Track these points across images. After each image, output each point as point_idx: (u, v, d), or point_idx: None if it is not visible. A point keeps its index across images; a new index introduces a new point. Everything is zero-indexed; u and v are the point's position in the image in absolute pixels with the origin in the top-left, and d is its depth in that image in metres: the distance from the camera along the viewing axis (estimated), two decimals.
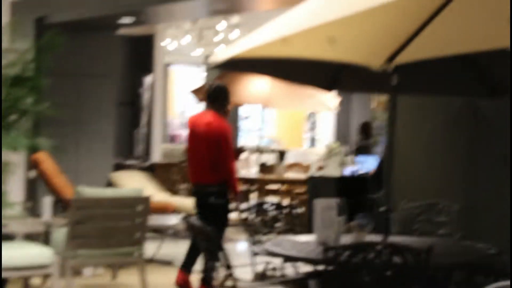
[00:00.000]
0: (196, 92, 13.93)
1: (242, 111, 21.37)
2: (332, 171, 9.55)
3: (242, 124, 21.46)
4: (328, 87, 6.31)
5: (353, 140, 17.21)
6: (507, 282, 3.28)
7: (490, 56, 5.41)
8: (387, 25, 4.47)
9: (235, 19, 16.19)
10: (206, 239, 5.27)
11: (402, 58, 4.49)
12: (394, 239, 5.57)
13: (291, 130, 21.99)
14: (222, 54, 4.75)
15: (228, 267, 5.21)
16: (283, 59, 5.43)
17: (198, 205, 7.87)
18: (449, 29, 4.35)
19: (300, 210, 6.68)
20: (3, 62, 7.75)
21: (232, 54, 4.56)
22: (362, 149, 13.49)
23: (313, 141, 21.46)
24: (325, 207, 5.43)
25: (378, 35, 4.53)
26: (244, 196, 12.19)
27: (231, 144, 7.65)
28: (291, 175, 13.13)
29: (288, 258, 5.28)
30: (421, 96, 6.77)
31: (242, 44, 4.69)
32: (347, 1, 3.75)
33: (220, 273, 5.44)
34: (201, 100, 13.98)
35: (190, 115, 8.22)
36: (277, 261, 5.89)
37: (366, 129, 14.58)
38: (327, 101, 12.86)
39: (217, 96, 7.74)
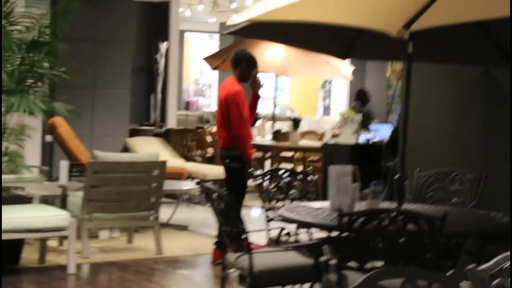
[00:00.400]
0: (209, 59, 13.93)
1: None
2: (347, 138, 9.57)
3: None
4: (342, 55, 6.32)
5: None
6: None
7: (505, 25, 5.41)
8: None
9: None
10: (221, 203, 5.32)
11: (419, 25, 4.48)
12: (408, 206, 5.60)
13: (305, 98, 21.98)
14: (238, 17, 4.76)
15: (243, 232, 5.26)
16: (297, 27, 5.44)
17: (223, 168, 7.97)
18: None
19: (314, 177, 6.70)
20: (19, 27, 7.80)
21: (248, 17, 4.57)
22: (363, 116, 13.27)
23: (327, 109, 21.44)
24: (340, 174, 5.45)
25: (396, 1, 4.54)
26: (259, 163, 12.24)
27: (242, 109, 7.68)
28: (305, 142, 13.17)
29: (302, 224, 5.32)
30: (436, 64, 6.77)
31: (258, 8, 4.69)
32: None
33: (234, 238, 5.49)
34: (214, 67, 13.99)
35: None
36: (291, 227, 5.93)
37: (362, 96, 14.49)
38: (342, 69, 12.85)
39: (238, 62, 7.84)
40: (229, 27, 5.96)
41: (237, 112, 7.64)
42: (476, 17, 4.60)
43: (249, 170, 7.60)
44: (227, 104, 7.69)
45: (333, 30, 5.62)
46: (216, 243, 7.68)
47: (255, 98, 7.92)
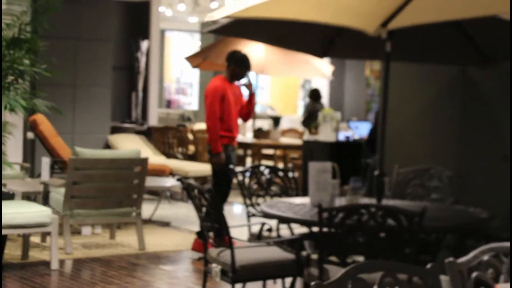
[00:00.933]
0: (190, 58, 13.98)
1: None
2: (326, 136, 9.66)
3: None
4: (321, 54, 6.40)
5: (347, 106, 17.32)
6: (498, 244, 3.39)
7: (481, 25, 5.51)
8: None
9: None
10: (202, 198, 5.38)
11: (396, 23, 4.56)
12: (387, 202, 5.68)
13: (285, 96, 22.06)
14: (217, 13, 4.82)
15: (224, 227, 5.33)
16: (277, 25, 5.51)
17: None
18: None
19: (294, 173, 6.78)
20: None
21: (226, 13, 4.63)
22: (313, 114, 13.70)
23: None
24: (320, 170, 5.52)
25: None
26: (240, 161, 12.32)
27: (213, 104, 7.87)
28: (286, 140, 13.25)
29: (283, 220, 5.38)
30: (414, 63, 6.86)
31: (237, 5, 4.75)
32: None
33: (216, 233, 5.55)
34: (195, 66, 14.04)
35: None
36: (272, 223, 6.00)
37: (315, 94, 14.94)
38: (321, 69, 12.94)
39: (229, 61, 8.06)
40: (209, 24, 6.02)
41: (208, 105, 7.89)
42: (453, 16, 4.68)
43: (229, 166, 7.73)
44: (204, 98, 7.98)
45: (312, 29, 5.70)
46: (198, 233, 7.77)
47: (249, 95, 8.13)
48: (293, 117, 19.87)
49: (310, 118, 13.57)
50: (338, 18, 4.53)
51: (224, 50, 12.78)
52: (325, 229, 4.73)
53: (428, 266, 3.10)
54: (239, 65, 8.01)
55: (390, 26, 4.59)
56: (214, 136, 7.85)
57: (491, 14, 4.15)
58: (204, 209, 5.46)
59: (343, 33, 5.91)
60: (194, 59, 13.77)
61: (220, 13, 4.73)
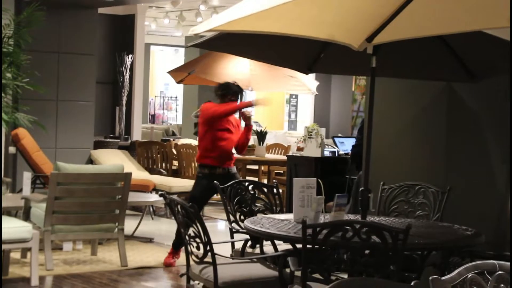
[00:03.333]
0: (174, 73, 13.92)
1: None
2: (312, 152, 9.60)
3: None
4: (306, 69, 6.36)
5: (333, 122, 17.34)
6: (483, 262, 3.33)
7: (466, 41, 5.48)
8: (367, 4, 4.51)
9: (215, 1, 16.21)
10: (185, 213, 5.31)
11: (381, 38, 4.53)
12: (372, 219, 5.63)
13: (271, 112, 22.05)
14: (200, 27, 4.76)
15: (208, 243, 5.25)
16: (261, 40, 5.46)
17: None
18: (428, 10, 4.39)
19: (279, 189, 6.73)
20: None
21: (210, 27, 4.56)
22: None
23: (293, 123, 21.52)
24: (304, 186, 5.47)
25: (358, 14, 4.56)
26: None
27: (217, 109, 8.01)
28: (271, 156, 13.19)
29: (266, 236, 5.32)
30: (399, 79, 6.83)
31: (220, 18, 4.70)
32: None
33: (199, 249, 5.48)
34: (179, 81, 13.98)
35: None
36: (256, 239, 5.93)
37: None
38: (307, 84, 12.90)
39: (223, 91, 8.09)
40: (192, 38, 5.97)
41: (212, 112, 8.01)
42: (438, 32, 4.65)
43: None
44: (205, 116, 8.12)
45: (297, 45, 5.65)
46: (173, 244, 7.86)
47: (247, 128, 8.13)
48: (278, 132, 19.83)
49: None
50: (322, 32, 4.48)
51: (208, 64, 12.76)
52: (309, 246, 4.67)
53: (412, 283, 3.05)
54: (236, 96, 8.10)
55: (375, 41, 4.55)
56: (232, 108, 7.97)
57: (476, 29, 4.11)
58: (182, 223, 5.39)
59: (328, 49, 5.87)
60: (178, 74, 13.71)
61: (203, 27, 4.67)
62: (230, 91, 8.06)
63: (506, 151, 6.14)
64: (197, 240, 5.33)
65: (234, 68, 12.42)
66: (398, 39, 4.47)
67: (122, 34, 15.59)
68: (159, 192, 10.06)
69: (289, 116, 21.92)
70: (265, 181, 12.52)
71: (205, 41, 6.03)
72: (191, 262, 5.50)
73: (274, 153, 13.95)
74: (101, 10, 13.44)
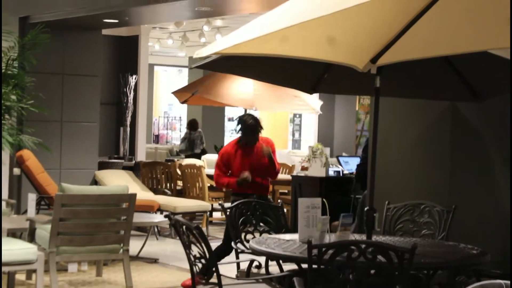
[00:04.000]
0: (178, 93, 13.94)
1: (227, 112, 21.42)
2: (316, 171, 9.61)
3: (228, 125, 21.51)
4: (309, 89, 6.36)
5: (337, 141, 17.43)
6: (489, 281, 3.33)
7: (471, 61, 5.49)
8: (371, 25, 4.52)
9: (219, 22, 16.26)
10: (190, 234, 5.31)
11: (385, 59, 4.54)
12: (378, 238, 5.62)
13: (275, 131, 22.06)
14: (205, 50, 4.76)
15: (213, 264, 5.25)
16: (265, 61, 5.48)
17: None
18: (432, 31, 4.40)
19: (284, 210, 6.72)
20: None
21: (214, 50, 4.57)
22: (191, 141, 16.69)
23: (297, 143, 21.53)
24: (309, 206, 5.48)
25: (362, 35, 4.58)
26: (228, 196, 12.24)
27: (219, 161, 8.17)
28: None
29: (272, 256, 5.31)
30: (403, 98, 6.84)
31: (225, 42, 4.71)
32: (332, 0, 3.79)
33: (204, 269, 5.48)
34: (183, 101, 14.00)
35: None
36: (261, 259, 5.93)
37: (191, 124, 16.88)
38: (311, 103, 12.91)
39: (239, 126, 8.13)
40: (196, 60, 5.98)
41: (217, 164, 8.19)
42: (442, 53, 4.66)
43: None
44: None
45: (301, 65, 5.66)
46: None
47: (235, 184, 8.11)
48: (283, 151, 19.83)
49: (190, 146, 16.59)
50: (327, 54, 4.49)
51: (212, 85, 12.79)
52: (314, 266, 4.67)
53: None
54: (244, 133, 8.12)
55: (379, 62, 4.56)
56: (218, 184, 8.22)
57: (480, 50, 4.12)
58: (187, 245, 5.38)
59: (332, 69, 5.88)
60: (182, 94, 13.74)
61: (208, 50, 4.67)
62: (241, 128, 8.09)
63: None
64: (203, 261, 5.32)
65: (238, 88, 12.45)
66: (402, 60, 4.48)
67: (126, 55, 15.64)
68: (164, 213, 10.08)
69: (293, 135, 21.93)
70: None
71: (208, 63, 6.04)
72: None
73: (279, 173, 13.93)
74: (105, 32, 13.48)
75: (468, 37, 4.15)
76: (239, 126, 8.06)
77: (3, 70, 7.78)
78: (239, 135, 8.12)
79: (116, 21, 12.16)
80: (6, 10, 11.36)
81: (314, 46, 4.40)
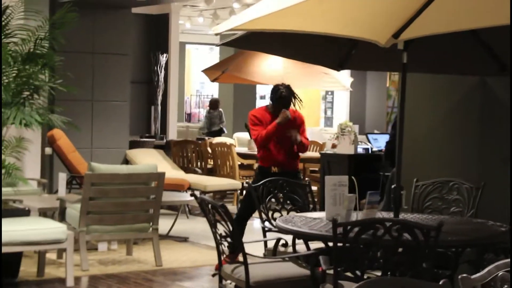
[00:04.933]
0: (208, 71, 13.91)
1: (258, 90, 21.37)
2: (345, 149, 9.55)
3: (259, 103, 21.46)
4: (337, 66, 6.31)
5: (369, 118, 17.37)
6: None
7: (498, 34, 5.40)
8: (392, 0, 4.46)
9: None
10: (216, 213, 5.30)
11: (408, 34, 4.47)
12: (406, 216, 5.58)
13: (307, 109, 21.97)
14: (222, 26, 4.71)
15: (239, 243, 5.24)
16: (292, 38, 5.43)
17: None
18: (455, 4, 4.33)
19: (312, 188, 6.69)
20: (15, 39, 7.79)
21: (231, 26, 4.52)
22: (211, 120, 17.57)
23: (329, 120, 21.45)
24: (336, 184, 5.44)
25: (383, 10, 4.51)
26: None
27: (253, 121, 8.01)
28: (306, 153, 13.12)
29: (298, 235, 5.29)
30: (431, 74, 6.76)
31: (244, 16, 4.65)
32: None
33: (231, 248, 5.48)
34: (213, 79, 13.97)
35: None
36: (288, 237, 5.91)
37: (213, 103, 17.84)
38: (341, 80, 12.83)
39: (271, 94, 8.04)
40: (225, 37, 5.95)
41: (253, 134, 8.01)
42: (466, 26, 4.59)
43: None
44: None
45: (328, 42, 5.61)
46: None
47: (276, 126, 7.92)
48: (315, 129, 19.76)
49: (209, 124, 17.42)
50: (347, 29, 4.44)
51: (242, 63, 12.74)
52: (340, 244, 4.64)
53: (441, 282, 3.00)
54: (276, 102, 8.03)
55: (402, 37, 4.50)
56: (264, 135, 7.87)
57: (505, 23, 4.04)
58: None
59: (359, 45, 5.82)
60: (213, 73, 13.71)
61: (225, 26, 4.63)
62: (272, 95, 8.00)
63: None
64: (229, 239, 5.32)
65: (268, 66, 12.39)
66: (425, 34, 4.42)
67: (156, 34, 15.63)
68: (190, 192, 10.07)
69: (325, 113, 21.83)
70: None
71: (234, 40, 6.01)
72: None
73: (309, 150, 13.89)
74: (135, 10, 13.48)
75: (492, 10, 4.08)
76: (273, 95, 7.98)
77: (31, 50, 7.80)
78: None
79: None
80: None
81: (334, 21, 4.35)
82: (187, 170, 12.81)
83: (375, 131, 14.57)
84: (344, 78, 13.02)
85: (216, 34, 4.55)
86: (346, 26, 4.36)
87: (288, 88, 7.97)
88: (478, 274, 3.16)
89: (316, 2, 3.82)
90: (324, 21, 4.35)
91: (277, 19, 4.18)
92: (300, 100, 8.07)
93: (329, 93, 21.16)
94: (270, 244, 6.34)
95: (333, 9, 4.20)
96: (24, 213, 7.59)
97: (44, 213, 8.52)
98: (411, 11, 4.41)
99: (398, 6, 4.44)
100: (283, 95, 7.88)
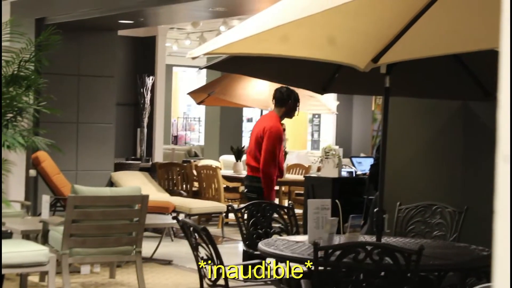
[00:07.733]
0: (194, 94, 13.92)
1: (245, 112, 21.40)
2: (329, 172, 9.55)
3: (245, 126, 21.49)
4: (321, 90, 6.32)
5: (355, 141, 17.36)
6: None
7: (481, 59, 5.42)
8: (371, 24, 4.47)
9: (235, 22, 16.23)
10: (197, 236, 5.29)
11: (387, 59, 4.50)
12: (388, 240, 5.58)
13: (294, 131, 22.02)
14: (198, 50, 4.71)
15: (220, 265, 5.22)
16: (273, 61, 5.44)
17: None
18: (434, 29, 4.35)
19: (295, 211, 6.68)
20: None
21: (208, 49, 4.51)
22: None
23: (316, 143, 21.47)
24: (319, 207, 5.44)
25: (363, 34, 4.53)
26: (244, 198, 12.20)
27: (277, 149, 7.95)
28: (291, 176, 13.15)
29: (280, 258, 5.28)
30: (414, 98, 6.78)
31: (220, 41, 4.66)
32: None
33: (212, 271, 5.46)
34: (199, 102, 13.98)
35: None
36: (271, 261, 5.88)
37: None
38: (327, 103, 12.86)
39: (278, 99, 8.08)
40: (209, 59, 5.95)
41: (271, 150, 7.87)
42: (445, 51, 4.62)
43: None
44: (266, 137, 7.93)
45: (311, 65, 5.62)
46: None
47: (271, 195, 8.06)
48: (301, 152, 19.78)
49: None
50: (325, 54, 4.45)
51: (228, 85, 12.76)
52: (321, 268, 4.63)
53: None
54: (288, 105, 8.06)
55: (381, 62, 4.51)
56: (272, 183, 7.84)
57: (485, 49, 4.06)
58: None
59: (342, 69, 5.83)
60: (199, 95, 13.72)
61: (201, 50, 4.62)
62: (292, 97, 8.04)
63: None
64: (210, 262, 5.30)
65: (254, 89, 12.41)
66: (405, 59, 4.44)
67: (143, 56, 15.64)
68: (172, 215, 10.05)
69: (312, 135, 21.86)
70: (286, 202, 12.47)
71: (218, 63, 6.02)
72: (205, 285, 5.47)
73: (295, 173, 13.90)
74: (122, 33, 13.50)
75: (473, 35, 4.11)
76: (277, 98, 8.03)
77: (15, 72, 7.78)
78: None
79: (132, 21, 12.17)
80: (22, 11, 11.42)
81: (312, 45, 4.36)
82: (172, 192, 12.78)
83: (361, 154, 14.60)
84: (330, 101, 13.05)
85: (193, 58, 4.54)
86: (325, 51, 4.37)
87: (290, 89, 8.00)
88: None
89: (293, 26, 3.83)
90: (303, 45, 4.36)
91: (254, 43, 4.19)
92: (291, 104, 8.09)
93: (316, 116, 21.20)
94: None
95: (311, 33, 4.21)
96: (6, 235, 7.55)
97: (27, 235, 8.48)
98: (391, 35, 4.44)
99: (377, 31, 4.46)
100: (298, 97, 7.98)
